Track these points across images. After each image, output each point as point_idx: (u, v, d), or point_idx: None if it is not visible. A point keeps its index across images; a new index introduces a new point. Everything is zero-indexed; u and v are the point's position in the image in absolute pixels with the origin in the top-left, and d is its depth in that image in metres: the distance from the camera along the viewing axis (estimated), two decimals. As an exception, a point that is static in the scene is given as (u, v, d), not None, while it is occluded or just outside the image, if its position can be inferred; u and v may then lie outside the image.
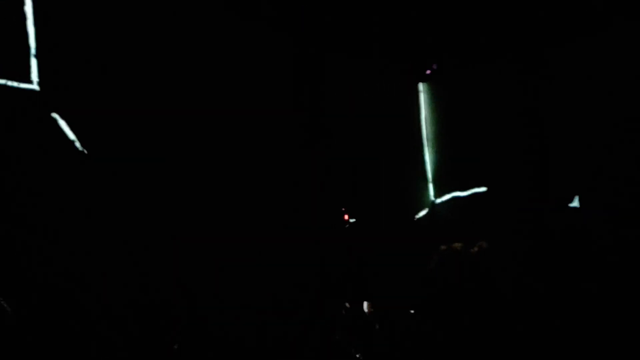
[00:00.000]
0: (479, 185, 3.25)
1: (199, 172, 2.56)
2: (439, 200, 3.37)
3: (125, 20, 2.40)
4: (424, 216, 3.34)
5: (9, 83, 2.14)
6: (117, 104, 2.34)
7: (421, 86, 3.60)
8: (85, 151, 2.29)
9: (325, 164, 2.98)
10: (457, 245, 1.18)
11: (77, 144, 2.28)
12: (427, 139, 3.54)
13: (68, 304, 2.13)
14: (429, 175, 3.47)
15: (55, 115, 2.24)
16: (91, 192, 2.30)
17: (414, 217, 3.36)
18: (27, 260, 2.12)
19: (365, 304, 2.49)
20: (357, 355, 2.29)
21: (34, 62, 2.19)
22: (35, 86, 2.20)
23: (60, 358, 2.01)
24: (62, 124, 2.25)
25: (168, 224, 2.45)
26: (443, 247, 1.18)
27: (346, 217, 2.96)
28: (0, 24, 2.14)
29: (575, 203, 2.90)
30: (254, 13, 2.80)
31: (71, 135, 2.26)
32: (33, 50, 2.19)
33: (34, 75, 2.20)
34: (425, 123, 3.57)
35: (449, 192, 3.36)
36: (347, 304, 2.45)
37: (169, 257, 2.42)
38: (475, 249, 1.15)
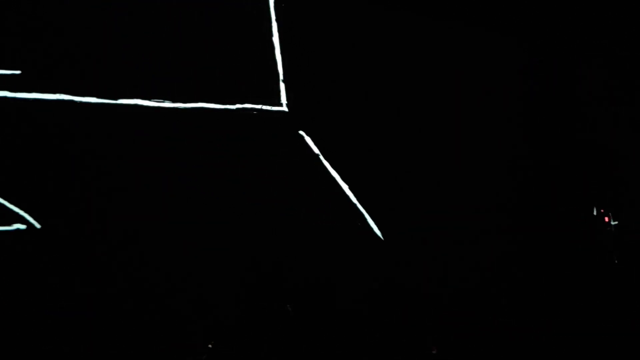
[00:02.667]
0: None
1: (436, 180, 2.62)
2: None
3: (358, 45, 2.55)
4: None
5: (264, 107, 2.42)
6: (355, 119, 2.52)
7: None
8: (327, 163, 2.50)
9: (582, 163, 2.80)
10: None
11: (321, 157, 2.49)
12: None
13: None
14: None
15: (302, 132, 2.47)
16: (333, 197, 2.50)
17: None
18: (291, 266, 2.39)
19: None
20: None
21: (282, 87, 2.45)
22: (284, 108, 2.45)
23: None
24: (308, 140, 2.47)
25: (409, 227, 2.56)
26: None
27: (607, 219, 2.74)
28: (253, 55, 2.42)
29: None
30: (480, 19, 2.75)
31: (315, 150, 2.47)
32: (281, 76, 2.44)
33: (283, 98, 2.45)
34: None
35: None
36: None
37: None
38: None
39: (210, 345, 2.28)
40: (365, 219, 2.49)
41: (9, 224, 2.17)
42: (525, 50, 2.79)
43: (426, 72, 2.62)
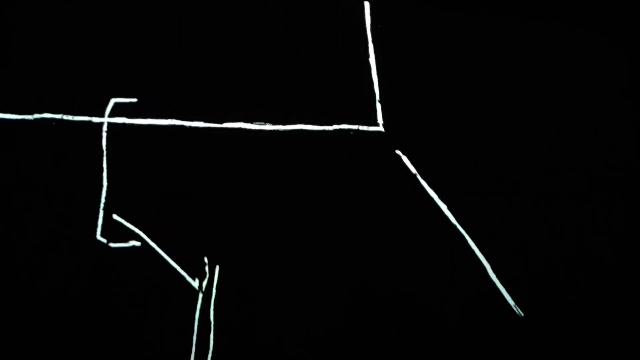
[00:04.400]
0: None
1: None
2: None
3: (456, 64, 2.52)
4: None
5: (360, 127, 2.45)
6: (453, 138, 2.48)
7: None
8: (425, 183, 2.47)
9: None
10: None
11: (418, 177, 2.47)
12: None
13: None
14: None
15: (398, 152, 2.47)
16: (431, 217, 2.46)
17: None
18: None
19: None
20: None
21: (378, 107, 2.47)
22: (380, 128, 2.47)
23: None
24: (405, 159, 2.47)
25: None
26: None
27: None
28: (349, 77, 2.47)
29: None
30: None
31: (413, 170, 2.46)
32: (377, 97, 2.47)
33: (380, 118, 2.47)
34: None
35: None
36: None
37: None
38: None
39: None
40: (465, 240, 2.44)
41: (126, 241, 2.34)
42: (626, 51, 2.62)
43: (532, 87, 2.53)
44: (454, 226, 2.44)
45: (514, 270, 2.44)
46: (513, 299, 2.42)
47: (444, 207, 2.45)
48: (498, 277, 2.43)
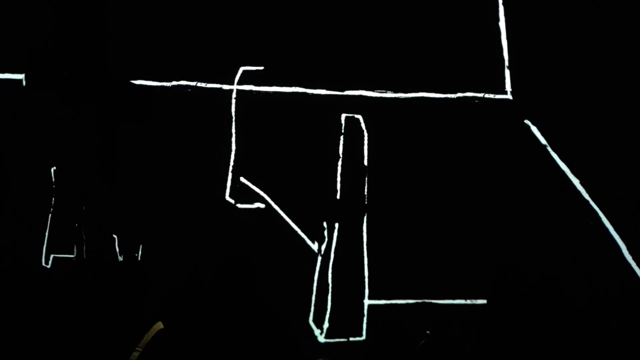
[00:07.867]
0: None
1: None
2: None
3: (593, 30, 2.32)
4: None
5: (486, 95, 2.34)
6: (587, 108, 2.30)
7: None
8: (556, 155, 2.32)
9: None
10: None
11: (549, 149, 2.33)
12: None
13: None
14: None
15: (527, 122, 2.34)
16: (562, 192, 2.32)
17: None
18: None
19: None
20: None
21: (507, 74, 2.34)
22: (509, 96, 2.34)
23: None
24: (534, 129, 2.33)
25: None
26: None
27: None
28: (477, 41, 2.35)
29: None
30: None
31: (543, 141, 2.32)
32: (506, 62, 2.34)
33: (508, 86, 2.34)
34: None
35: None
36: None
37: None
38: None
39: (428, 332, 2.32)
40: (599, 217, 2.27)
41: (252, 203, 2.47)
42: None
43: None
44: (587, 202, 2.29)
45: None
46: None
47: (576, 182, 2.30)
48: (634, 258, 2.24)
